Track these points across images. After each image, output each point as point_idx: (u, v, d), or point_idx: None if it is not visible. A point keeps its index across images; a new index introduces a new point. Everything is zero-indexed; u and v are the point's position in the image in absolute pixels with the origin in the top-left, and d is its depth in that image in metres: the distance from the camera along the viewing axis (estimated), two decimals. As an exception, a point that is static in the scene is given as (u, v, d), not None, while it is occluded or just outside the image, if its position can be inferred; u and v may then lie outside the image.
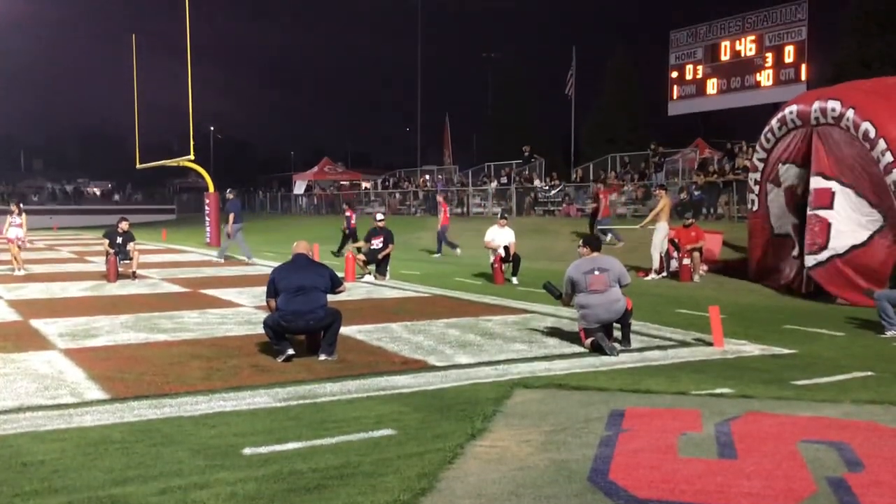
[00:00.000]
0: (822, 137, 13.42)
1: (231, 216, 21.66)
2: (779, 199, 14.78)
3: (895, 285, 9.97)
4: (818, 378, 7.20)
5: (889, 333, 9.49)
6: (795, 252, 14.52)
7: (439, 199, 27.11)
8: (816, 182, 13.26)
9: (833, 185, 13.05)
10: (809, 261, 13.20)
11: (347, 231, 24.49)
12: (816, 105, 13.54)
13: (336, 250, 23.87)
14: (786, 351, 8.58)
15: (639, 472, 4.64)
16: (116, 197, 69.59)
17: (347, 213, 25.08)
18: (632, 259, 17.40)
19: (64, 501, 4.25)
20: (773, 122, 14.83)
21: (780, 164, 14.61)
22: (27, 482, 4.53)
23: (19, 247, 18.01)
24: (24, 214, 18.45)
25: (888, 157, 12.15)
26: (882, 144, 12.24)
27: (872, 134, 12.39)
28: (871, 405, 6.18)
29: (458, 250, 23.31)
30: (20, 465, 4.84)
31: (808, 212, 13.31)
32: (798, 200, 14.32)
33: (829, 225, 12.98)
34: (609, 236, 22.13)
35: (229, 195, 24.35)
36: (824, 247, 12.98)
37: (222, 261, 21.73)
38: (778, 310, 12.12)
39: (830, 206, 13.01)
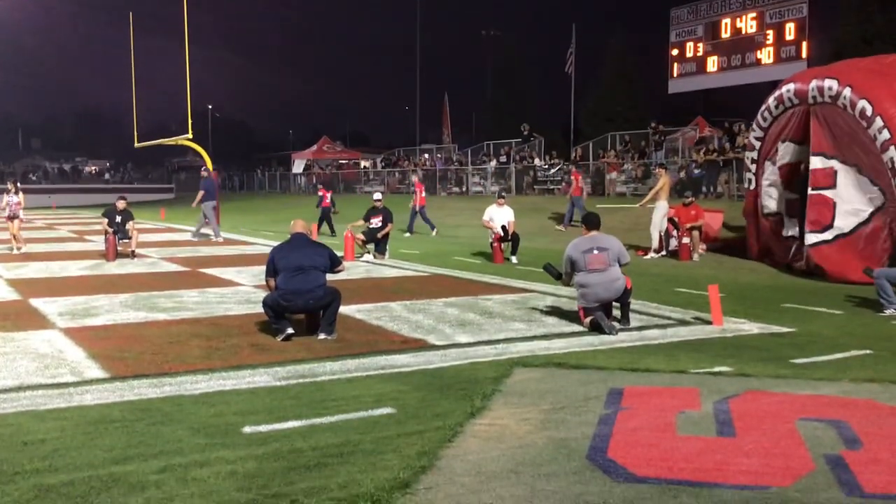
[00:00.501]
0: (820, 116, 13.36)
1: (200, 194, 21.99)
2: (773, 176, 14.76)
3: (894, 263, 9.96)
4: (817, 356, 7.21)
5: (888, 312, 9.50)
6: (786, 231, 14.52)
7: (414, 178, 27.37)
8: (817, 162, 13.21)
9: (834, 164, 13.01)
10: (811, 239, 13.16)
11: (322, 211, 24.75)
12: (814, 84, 13.48)
13: (331, 232, 23.99)
14: (784, 329, 8.59)
15: (637, 451, 4.66)
16: (107, 176, 69.03)
17: (321, 193, 25.29)
18: (631, 238, 17.40)
19: (65, 480, 4.26)
20: (770, 100, 14.76)
21: (779, 143, 14.56)
22: (28, 461, 4.55)
23: (14, 217, 17.93)
24: (21, 193, 18.43)
25: (885, 135, 12.11)
26: (879, 122, 12.19)
27: (869, 112, 12.34)
28: (870, 383, 6.20)
29: (435, 231, 23.48)
30: (21, 443, 4.86)
31: (809, 191, 13.28)
32: (794, 178, 14.29)
33: (833, 204, 12.95)
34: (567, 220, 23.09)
35: (203, 173, 24.62)
36: (829, 226, 12.95)
37: (220, 240, 21.74)
38: (777, 288, 12.13)
39: (833, 186, 12.97)
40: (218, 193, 23.06)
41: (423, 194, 24.60)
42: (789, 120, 14.27)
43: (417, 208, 24.03)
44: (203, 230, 22.71)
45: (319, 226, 24.21)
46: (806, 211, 13.38)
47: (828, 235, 12.97)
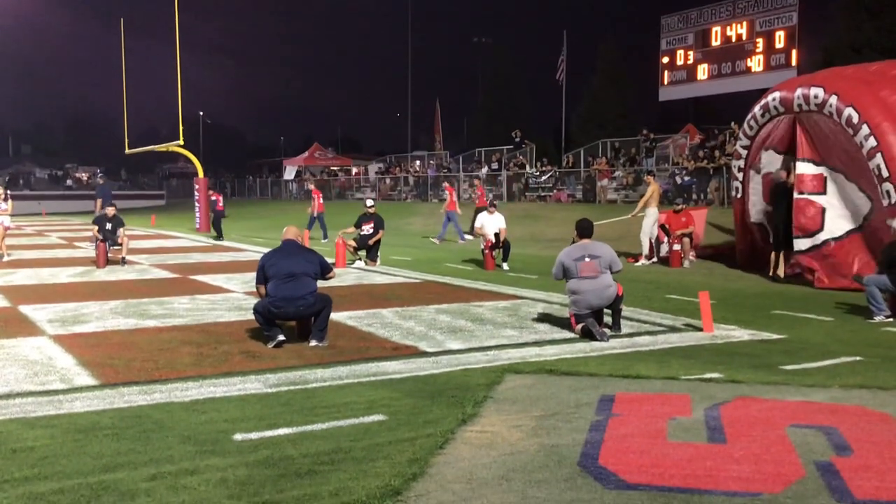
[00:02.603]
0: (806, 124, 13.43)
1: (99, 202, 22.23)
2: (757, 186, 14.84)
3: (883, 270, 10.00)
4: (807, 363, 7.23)
5: (877, 318, 9.54)
6: (771, 239, 14.58)
7: (311, 186, 28.10)
8: (804, 167, 13.27)
9: (823, 170, 13.08)
10: (800, 244, 13.21)
11: (214, 214, 25.23)
12: (799, 92, 13.54)
13: (218, 236, 24.84)
14: (775, 336, 8.62)
15: (628, 457, 4.66)
16: (69, 182, 67.53)
17: (214, 197, 25.74)
18: (621, 245, 17.42)
19: (54, 488, 4.24)
20: (756, 108, 14.82)
21: (762, 151, 14.63)
22: (17, 468, 4.53)
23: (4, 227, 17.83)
24: (10, 200, 18.35)
25: (871, 142, 12.17)
26: (865, 129, 12.25)
27: (855, 119, 12.40)
28: (860, 390, 6.22)
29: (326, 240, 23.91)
30: (10, 451, 4.83)
31: (796, 196, 13.33)
32: (774, 187, 14.34)
33: (822, 210, 13.01)
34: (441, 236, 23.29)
35: (99, 180, 25.02)
36: (818, 230, 13.00)
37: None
38: (767, 295, 12.16)
39: (823, 192, 13.04)
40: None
41: (321, 200, 25.04)
42: (774, 128, 14.34)
43: (315, 214, 24.48)
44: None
45: (217, 230, 25.01)
46: (793, 217, 13.41)
47: (818, 240, 13.02)
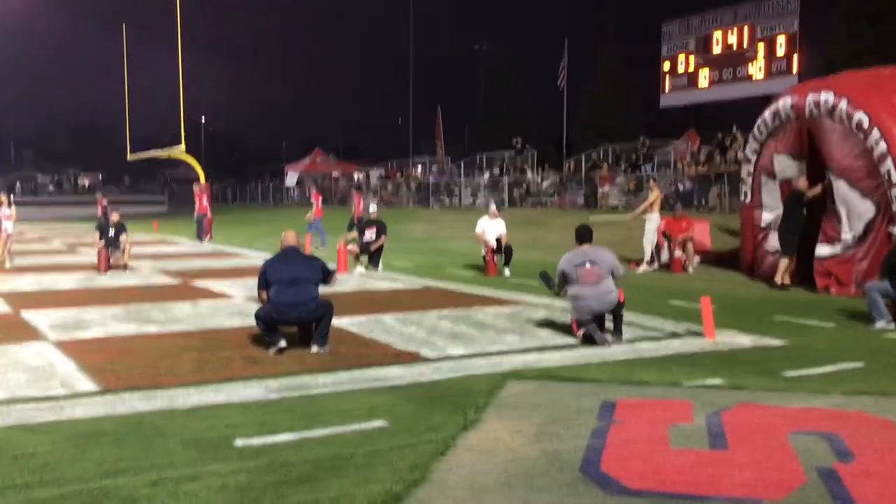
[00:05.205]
0: (817, 129, 13.42)
1: None
2: (773, 191, 14.77)
3: (885, 276, 9.98)
4: (809, 369, 7.22)
5: (879, 325, 9.51)
6: (770, 246, 14.51)
7: (196, 189, 29.03)
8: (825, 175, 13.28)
9: (831, 176, 13.07)
10: (823, 251, 13.15)
11: (104, 220, 25.41)
12: (810, 97, 13.51)
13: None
14: (777, 342, 8.61)
15: (630, 464, 4.66)
16: (51, 188, 67.47)
17: (104, 203, 26.47)
18: (623, 251, 17.41)
19: (55, 494, 4.24)
20: (766, 114, 14.80)
21: (775, 156, 14.59)
22: (18, 474, 4.53)
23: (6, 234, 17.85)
24: (13, 206, 18.37)
25: (882, 147, 12.16)
26: (876, 134, 12.23)
27: (866, 124, 12.39)
28: (862, 396, 6.21)
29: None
30: (11, 457, 4.83)
31: (829, 203, 13.32)
32: (790, 194, 14.28)
33: (838, 217, 12.99)
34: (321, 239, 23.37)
35: None
36: (838, 239, 12.98)
37: None
38: (769, 301, 12.15)
39: (833, 200, 13.04)
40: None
41: (204, 202, 26.15)
42: (786, 133, 14.30)
43: (197, 216, 25.79)
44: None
45: (102, 237, 24.94)
46: (822, 224, 13.36)
47: (837, 249, 12.97)
